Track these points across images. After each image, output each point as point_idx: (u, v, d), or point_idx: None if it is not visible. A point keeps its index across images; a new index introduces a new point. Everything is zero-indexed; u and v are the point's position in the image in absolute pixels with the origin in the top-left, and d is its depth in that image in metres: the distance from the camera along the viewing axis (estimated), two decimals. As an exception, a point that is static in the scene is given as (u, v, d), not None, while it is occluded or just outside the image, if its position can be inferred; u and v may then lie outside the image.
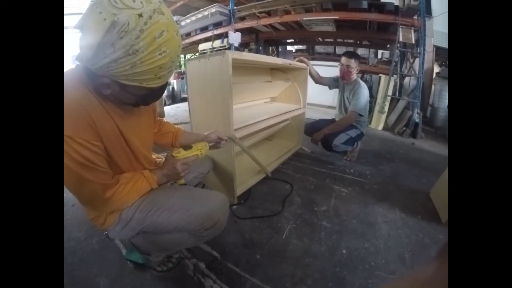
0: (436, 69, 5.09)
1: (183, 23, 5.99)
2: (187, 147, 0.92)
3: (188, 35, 6.75)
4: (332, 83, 2.45)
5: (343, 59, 2.17)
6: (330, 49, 6.60)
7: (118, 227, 0.84)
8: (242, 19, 5.35)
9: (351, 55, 2.17)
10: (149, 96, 0.69)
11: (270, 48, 6.74)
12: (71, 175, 0.63)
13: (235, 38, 4.76)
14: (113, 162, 0.76)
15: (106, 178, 0.72)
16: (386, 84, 3.83)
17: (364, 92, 2.13)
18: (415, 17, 3.66)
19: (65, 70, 0.65)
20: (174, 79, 6.81)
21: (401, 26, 3.61)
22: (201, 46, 6.30)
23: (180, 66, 8.57)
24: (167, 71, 0.62)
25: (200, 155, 0.95)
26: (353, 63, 2.12)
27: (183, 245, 0.97)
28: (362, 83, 2.18)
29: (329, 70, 3.80)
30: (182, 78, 6.90)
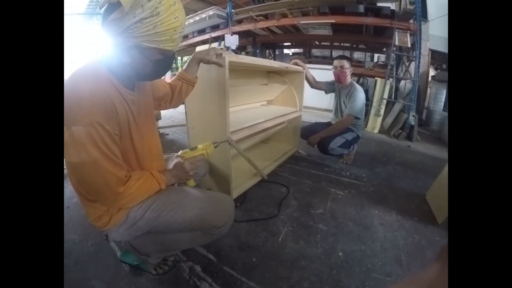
0: (432, 72, 5.16)
1: (180, 25, 6.00)
2: (192, 148, 0.97)
3: (186, 37, 6.76)
4: (328, 87, 2.46)
5: (336, 61, 2.21)
6: (326, 52, 6.63)
7: (122, 227, 0.83)
8: (240, 22, 5.39)
9: (342, 57, 2.22)
10: (162, 63, 0.77)
11: (267, 51, 6.77)
12: (90, 162, 0.66)
13: (232, 41, 4.78)
14: (122, 152, 0.78)
15: (122, 172, 0.75)
16: (382, 87, 3.87)
17: (360, 95, 2.15)
18: (411, 21, 3.71)
19: (65, 70, 0.69)
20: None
21: (397, 30, 3.66)
22: (198, 49, 6.32)
23: (177, 68, 8.58)
24: (178, 35, 0.73)
25: (206, 155, 1.00)
26: (346, 63, 2.16)
27: (191, 244, 1.00)
28: (358, 87, 2.20)
29: (326, 73, 3.82)
30: (179, 80, 6.89)
